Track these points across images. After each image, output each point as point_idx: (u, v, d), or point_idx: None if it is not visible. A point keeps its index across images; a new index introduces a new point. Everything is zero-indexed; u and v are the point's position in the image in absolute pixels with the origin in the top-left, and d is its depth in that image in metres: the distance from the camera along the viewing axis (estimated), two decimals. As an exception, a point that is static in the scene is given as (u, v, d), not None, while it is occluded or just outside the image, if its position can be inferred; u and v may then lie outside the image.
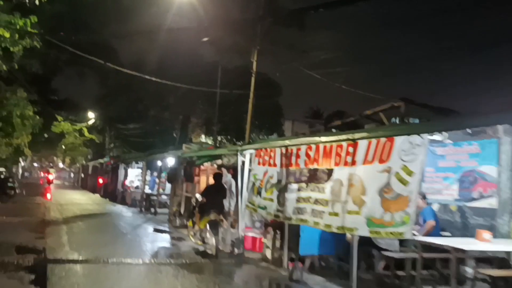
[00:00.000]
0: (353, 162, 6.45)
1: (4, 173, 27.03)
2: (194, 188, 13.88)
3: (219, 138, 28.86)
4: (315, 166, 7.46)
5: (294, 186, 7.96)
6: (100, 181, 29.03)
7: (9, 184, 19.81)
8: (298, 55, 23.71)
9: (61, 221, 13.13)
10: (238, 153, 10.37)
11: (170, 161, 18.56)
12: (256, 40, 15.91)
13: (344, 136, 6.85)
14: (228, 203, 10.42)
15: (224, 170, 10.29)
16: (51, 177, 39.96)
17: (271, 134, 28.32)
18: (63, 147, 48.67)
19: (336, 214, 6.51)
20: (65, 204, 19.38)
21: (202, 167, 13.67)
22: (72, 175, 54.76)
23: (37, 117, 22.10)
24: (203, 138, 31.21)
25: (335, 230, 6.52)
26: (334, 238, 7.76)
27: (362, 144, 6.38)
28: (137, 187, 21.92)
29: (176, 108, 30.01)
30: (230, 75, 26.73)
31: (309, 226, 7.28)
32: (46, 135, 46.42)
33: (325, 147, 7.22)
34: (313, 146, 7.53)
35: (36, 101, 23.00)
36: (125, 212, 18.48)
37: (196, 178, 13.49)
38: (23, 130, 20.87)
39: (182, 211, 14.30)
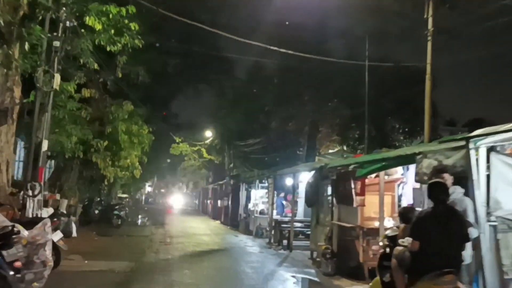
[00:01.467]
0: None
1: (123, 199, 24.94)
2: (353, 214, 8.80)
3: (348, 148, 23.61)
4: None
5: None
6: (220, 205, 25.51)
7: (115, 212, 16.76)
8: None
9: (160, 269, 8.95)
10: (470, 144, 5.14)
11: (304, 177, 13.89)
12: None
13: None
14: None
15: (447, 178, 5.06)
16: (171, 203, 38.09)
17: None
18: (185, 171, 47.55)
19: None
20: (176, 237, 15.59)
21: (367, 180, 8.57)
22: (195, 199, 53.48)
23: (149, 134, 19.12)
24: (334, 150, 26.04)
25: None
26: None
27: None
28: (262, 212, 17.55)
29: (301, 117, 25.41)
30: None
31: None
32: (168, 160, 45.75)
33: None
34: None
35: (146, 116, 20.08)
36: (249, 246, 14.06)
37: (357, 199, 8.41)
38: (130, 149, 17.89)
39: (334, 248, 9.29)
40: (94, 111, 16.91)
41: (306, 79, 23.09)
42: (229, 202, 23.68)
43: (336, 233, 9.33)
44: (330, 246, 9.33)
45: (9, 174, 11.57)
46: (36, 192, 10.67)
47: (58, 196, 14.83)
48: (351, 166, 8.65)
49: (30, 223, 6.60)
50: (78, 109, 15.47)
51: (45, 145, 11.21)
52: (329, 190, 10.30)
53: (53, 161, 18.38)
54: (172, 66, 21.94)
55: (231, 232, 18.90)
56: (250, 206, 19.31)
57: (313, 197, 10.95)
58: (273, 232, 14.66)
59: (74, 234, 12.42)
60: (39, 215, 10.56)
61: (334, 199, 9.57)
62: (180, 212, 37.35)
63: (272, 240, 14.39)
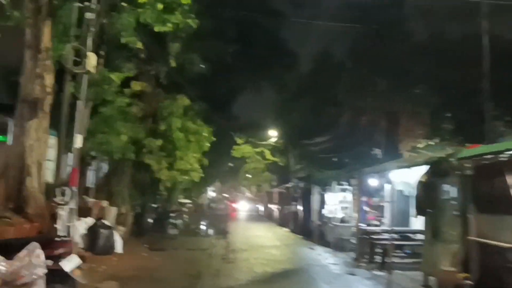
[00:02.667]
0: None
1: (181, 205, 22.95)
2: (509, 228, 5.74)
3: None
4: None
5: None
6: (287, 211, 22.84)
7: (171, 221, 14.53)
8: None
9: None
10: None
11: (394, 176, 10.75)
12: None
13: None
14: None
15: None
16: (233, 208, 36.03)
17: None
18: (248, 175, 45.40)
19: None
20: (240, 250, 13.02)
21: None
22: (259, 204, 51.13)
23: (209, 134, 16.86)
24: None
25: None
26: None
27: None
28: (342, 220, 14.61)
29: (376, 108, 22.06)
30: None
31: None
32: (231, 164, 43.78)
33: None
34: None
35: (205, 115, 17.84)
36: (332, 263, 11.18)
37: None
38: (186, 149, 15.68)
39: (474, 277, 6.24)
40: (145, 106, 15.00)
41: (382, 63, 19.88)
42: (299, 208, 20.96)
43: (476, 255, 6.28)
44: (468, 274, 6.31)
45: (42, 178, 9.52)
46: (67, 199, 8.58)
47: (105, 204, 12.85)
48: (505, 154, 5.63)
49: (17, 247, 4.28)
50: (129, 105, 13.60)
51: (78, 141, 9.09)
52: (454, 191, 7.30)
53: (102, 164, 16.71)
54: (230, 54, 19.54)
55: (304, 244, 16.12)
56: (325, 212, 16.42)
57: (428, 202, 7.92)
58: (360, 245, 11.73)
59: (119, 249, 10.28)
60: (70, 228, 8.46)
61: (470, 205, 6.53)
62: (244, 218, 35.12)
63: (359, 256, 11.46)
